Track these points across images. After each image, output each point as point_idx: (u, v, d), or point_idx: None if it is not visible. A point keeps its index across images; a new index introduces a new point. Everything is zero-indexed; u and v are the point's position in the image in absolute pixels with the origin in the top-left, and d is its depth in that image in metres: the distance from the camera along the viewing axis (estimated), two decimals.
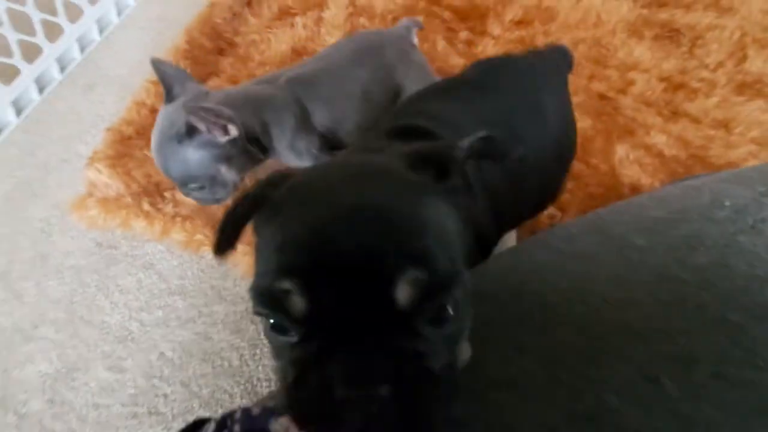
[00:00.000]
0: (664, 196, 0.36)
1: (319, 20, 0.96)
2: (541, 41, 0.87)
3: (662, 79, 0.78)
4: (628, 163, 0.71)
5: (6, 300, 0.71)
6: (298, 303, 0.21)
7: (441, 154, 0.28)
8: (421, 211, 0.24)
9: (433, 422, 0.21)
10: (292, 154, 0.62)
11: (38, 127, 0.90)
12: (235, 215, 0.27)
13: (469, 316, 0.25)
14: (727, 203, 0.30)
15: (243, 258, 0.67)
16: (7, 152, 0.87)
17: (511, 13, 0.92)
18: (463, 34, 0.91)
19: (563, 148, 0.51)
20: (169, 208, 0.73)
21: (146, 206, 0.72)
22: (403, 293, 0.21)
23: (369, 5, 0.96)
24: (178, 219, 0.71)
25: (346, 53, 0.65)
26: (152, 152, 0.60)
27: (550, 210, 0.66)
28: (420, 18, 0.78)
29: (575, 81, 0.81)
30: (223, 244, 0.28)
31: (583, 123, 0.76)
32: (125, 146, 0.80)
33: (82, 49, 0.99)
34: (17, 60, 0.87)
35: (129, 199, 0.73)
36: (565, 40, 0.86)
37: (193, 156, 0.56)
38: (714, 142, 0.71)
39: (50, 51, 0.92)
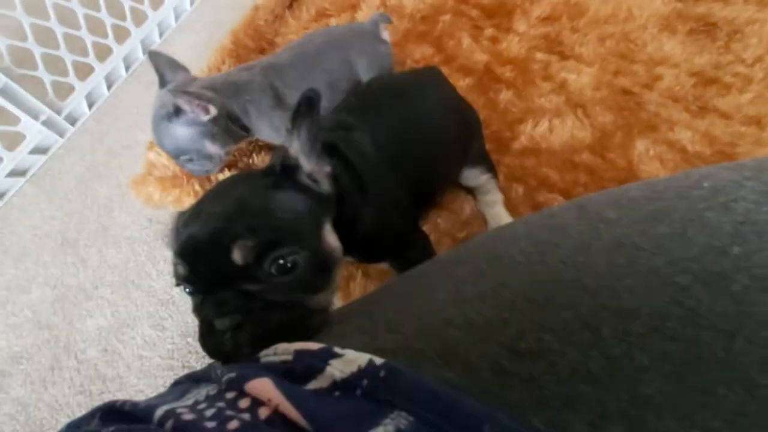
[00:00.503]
0: (652, 180, 0.37)
1: (352, 21, 1.02)
2: (566, 37, 0.87)
3: (693, 74, 0.76)
4: (648, 158, 0.70)
5: (74, 264, 0.83)
6: (181, 270, 0.36)
7: (284, 156, 0.41)
8: (254, 201, 0.38)
9: (269, 329, 0.34)
10: (270, 131, 0.70)
11: (106, 117, 1.03)
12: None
13: (320, 273, 0.38)
14: (706, 184, 0.30)
15: None
16: (81, 138, 1.01)
17: (539, 10, 0.92)
18: (489, 31, 0.93)
19: (456, 127, 0.64)
20: None
21: (197, 186, 0.81)
22: (237, 255, 0.34)
23: (399, 5, 1.01)
24: None
25: (315, 47, 0.72)
26: (152, 129, 0.67)
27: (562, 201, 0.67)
28: (389, 15, 0.82)
29: (599, 76, 0.80)
30: None
31: (603, 118, 0.76)
32: None
33: (145, 50, 1.12)
34: (92, 59, 1.01)
35: (183, 179, 0.82)
36: (592, 36, 0.86)
37: (181, 132, 0.64)
38: (743, 139, 0.68)
39: (119, 51, 1.06)
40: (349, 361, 0.25)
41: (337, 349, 0.27)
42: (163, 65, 0.66)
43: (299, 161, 0.41)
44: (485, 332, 0.27)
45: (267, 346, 0.30)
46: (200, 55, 1.03)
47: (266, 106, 0.68)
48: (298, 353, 0.28)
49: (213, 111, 0.63)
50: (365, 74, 0.73)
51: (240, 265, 0.34)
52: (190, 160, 0.69)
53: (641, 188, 0.35)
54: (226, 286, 0.35)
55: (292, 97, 0.69)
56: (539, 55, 0.86)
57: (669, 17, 0.83)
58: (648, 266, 0.26)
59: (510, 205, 0.71)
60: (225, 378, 0.26)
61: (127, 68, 1.09)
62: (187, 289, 0.38)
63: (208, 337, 0.36)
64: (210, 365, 0.32)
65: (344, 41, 0.73)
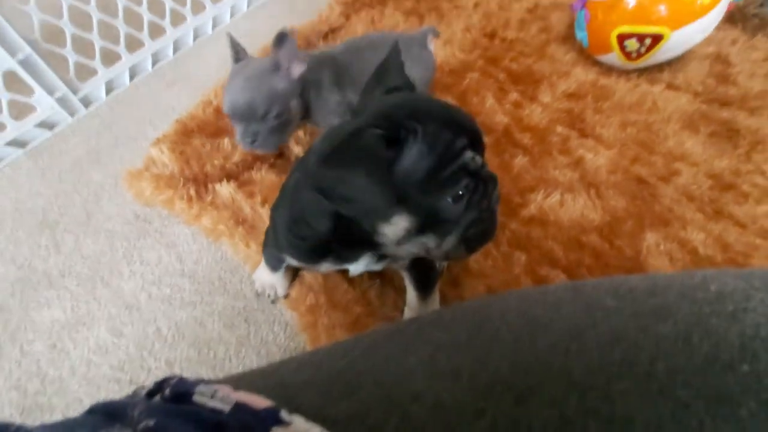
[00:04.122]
0: (654, 275, 0.35)
1: None
2: (589, 116, 0.87)
3: (711, 176, 0.75)
4: (657, 252, 0.67)
5: (47, 246, 0.79)
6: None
7: None
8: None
9: None
10: (323, 109, 0.74)
11: (120, 106, 1.03)
12: None
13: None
14: (713, 287, 0.28)
15: (255, 256, 0.70)
16: (90, 122, 0.99)
17: (565, 85, 0.93)
18: (513, 95, 0.93)
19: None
20: (208, 199, 0.79)
21: (191, 191, 0.79)
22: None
23: None
24: (211, 208, 0.77)
25: (370, 41, 0.80)
26: (230, 95, 0.69)
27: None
28: (436, 30, 0.88)
29: (616, 160, 0.80)
30: None
31: (615, 203, 0.74)
32: (188, 137, 0.89)
33: (176, 50, 1.13)
34: (121, 48, 1.01)
35: (179, 182, 0.80)
36: (615, 120, 0.86)
37: (279, 84, 0.68)
38: (757, 251, 0.66)
39: (150, 46, 1.07)
40: None
41: (284, 415, 0.23)
42: (238, 45, 0.72)
43: None
44: (455, 419, 0.23)
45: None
46: (227, 63, 1.04)
47: (326, 82, 0.74)
48: (238, 407, 0.24)
49: (302, 67, 0.69)
50: (414, 74, 0.80)
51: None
52: (274, 118, 0.69)
53: (643, 280, 0.32)
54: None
55: (351, 87, 0.75)
56: (559, 128, 0.86)
57: (693, 116, 0.84)
58: (647, 371, 0.23)
59: (510, 275, 0.68)
60: (141, 426, 0.22)
61: (154, 63, 1.10)
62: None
63: None
64: (132, 397, 0.28)
65: (396, 44, 0.80)
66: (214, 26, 1.20)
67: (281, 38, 0.67)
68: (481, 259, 0.70)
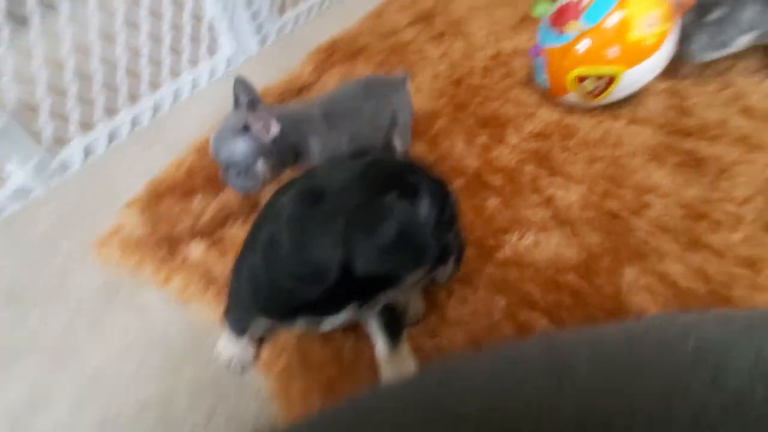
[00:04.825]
0: (631, 325, 0.34)
1: None
2: (557, 154, 0.89)
3: (682, 206, 0.75)
4: (637, 288, 0.66)
5: (12, 320, 0.76)
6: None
7: None
8: None
9: None
10: (323, 150, 0.76)
11: (97, 171, 1.04)
12: None
13: None
14: (692, 343, 0.27)
15: None
16: (65, 188, 1.00)
17: (531, 126, 0.96)
18: (482, 138, 0.95)
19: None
20: (178, 260, 0.78)
21: (160, 254, 0.78)
22: None
23: None
24: (181, 269, 0.75)
25: (359, 89, 0.84)
26: (210, 142, 0.72)
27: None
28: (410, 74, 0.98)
29: (587, 196, 0.80)
30: None
31: (590, 239, 0.73)
32: (158, 198, 0.89)
33: (154, 113, 1.16)
34: (99, 113, 1.04)
35: (148, 245, 0.79)
36: (582, 157, 0.87)
37: (242, 146, 0.69)
38: (738, 282, 0.64)
39: (128, 111, 1.10)
40: None
41: None
42: (242, 90, 0.72)
43: None
44: None
45: None
46: (204, 126, 1.06)
47: (322, 132, 0.76)
48: None
49: (275, 130, 0.70)
50: (400, 111, 0.88)
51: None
52: (239, 174, 0.72)
53: (619, 331, 0.31)
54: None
55: (342, 130, 0.78)
56: (529, 168, 0.87)
57: (657, 148, 0.85)
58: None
59: (491, 321, 0.65)
60: None
61: (132, 127, 1.12)
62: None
63: None
64: None
65: (381, 87, 0.86)
66: (193, 87, 1.25)
67: (251, 103, 0.69)
68: (458, 305, 0.68)
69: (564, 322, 0.63)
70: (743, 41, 0.85)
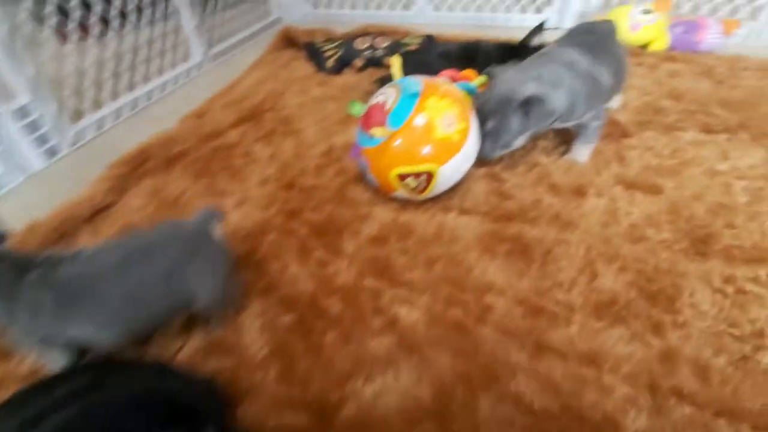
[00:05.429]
0: None
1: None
2: (396, 259, 0.82)
3: (519, 303, 0.72)
4: (495, 423, 0.57)
5: None
6: None
7: None
8: None
9: None
10: None
11: None
12: None
13: None
14: None
15: None
16: None
17: (368, 229, 0.89)
18: (317, 253, 0.84)
19: None
20: None
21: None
22: None
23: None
24: None
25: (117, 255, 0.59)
26: None
27: None
28: (218, 212, 0.72)
29: (432, 307, 0.73)
30: None
31: (440, 364, 0.64)
32: None
33: None
34: None
35: None
36: (421, 258, 0.82)
37: None
38: (586, 386, 0.60)
39: None
40: None
41: None
42: None
43: None
44: None
45: None
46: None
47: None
48: None
49: None
50: (196, 282, 0.63)
51: None
52: None
53: None
54: None
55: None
56: (369, 281, 0.78)
57: (486, 238, 0.85)
58: None
59: None
60: None
61: None
62: None
63: None
64: None
65: (155, 248, 0.61)
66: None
67: None
68: None
69: None
70: (521, 141, 0.95)
